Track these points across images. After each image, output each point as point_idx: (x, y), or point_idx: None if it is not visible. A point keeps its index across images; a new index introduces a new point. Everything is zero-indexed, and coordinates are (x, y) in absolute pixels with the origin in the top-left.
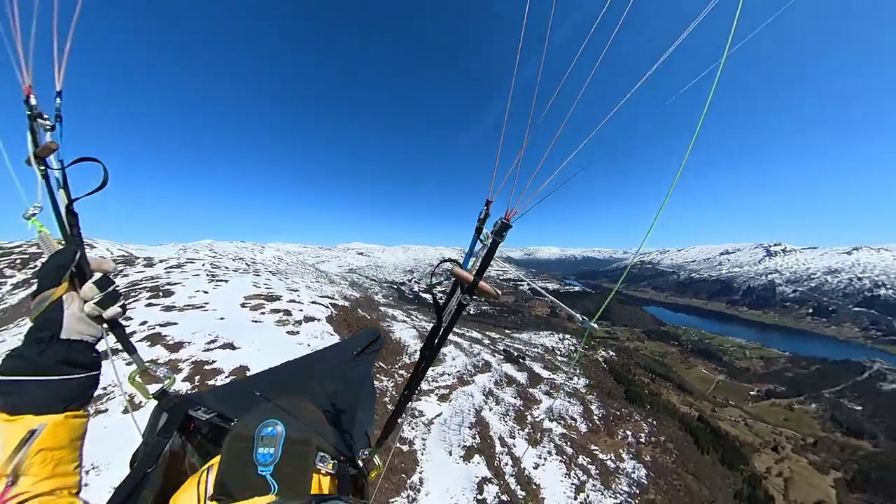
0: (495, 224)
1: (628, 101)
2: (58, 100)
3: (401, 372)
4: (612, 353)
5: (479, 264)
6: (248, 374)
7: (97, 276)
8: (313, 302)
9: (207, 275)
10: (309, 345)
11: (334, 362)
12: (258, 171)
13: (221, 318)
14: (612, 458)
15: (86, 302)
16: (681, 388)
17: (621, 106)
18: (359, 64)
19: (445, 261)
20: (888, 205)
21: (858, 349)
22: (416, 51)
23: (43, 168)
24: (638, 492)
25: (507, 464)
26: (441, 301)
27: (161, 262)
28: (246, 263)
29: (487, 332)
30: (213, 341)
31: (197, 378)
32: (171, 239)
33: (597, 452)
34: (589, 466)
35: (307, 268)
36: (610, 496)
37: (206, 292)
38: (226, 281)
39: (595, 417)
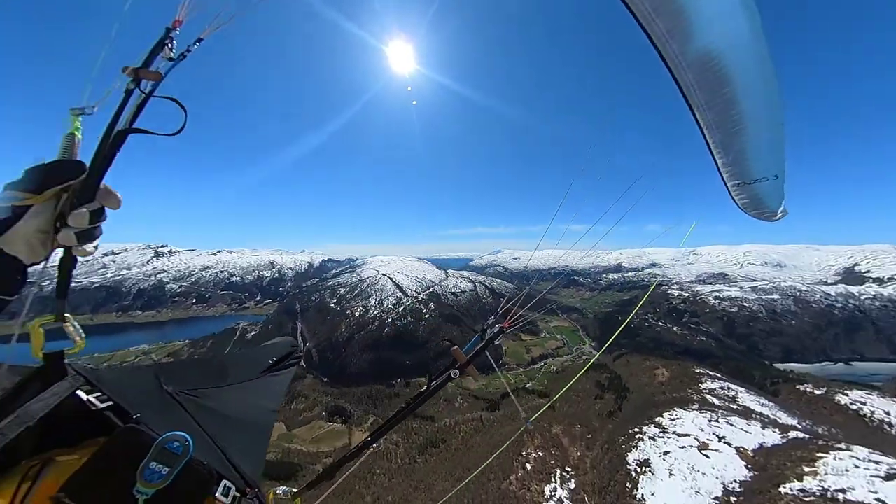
0: (496, 328)
1: None
2: (196, 44)
3: None
4: None
5: (474, 352)
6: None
7: (95, 205)
8: None
9: None
10: None
11: (248, 371)
12: None
13: None
14: None
15: (62, 227)
16: None
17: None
18: None
19: (448, 340)
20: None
21: (229, 318)
22: None
23: (133, 86)
24: None
25: None
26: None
27: None
28: None
29: None
30: None
31: None
32: None
33: None
34: None
35: None
36: None
37: None
38: None
39: None
